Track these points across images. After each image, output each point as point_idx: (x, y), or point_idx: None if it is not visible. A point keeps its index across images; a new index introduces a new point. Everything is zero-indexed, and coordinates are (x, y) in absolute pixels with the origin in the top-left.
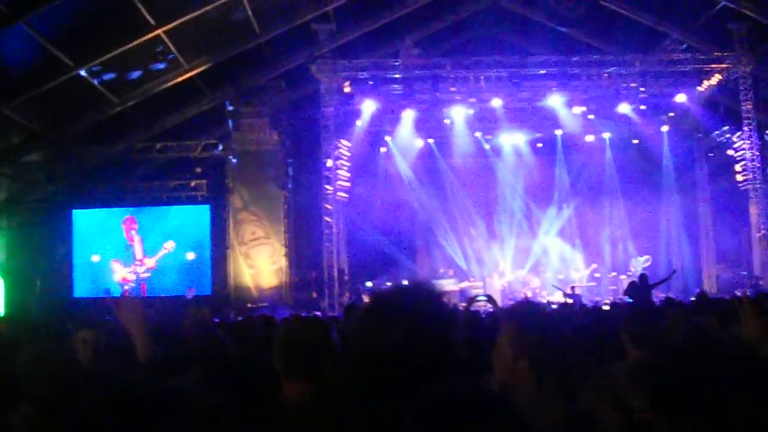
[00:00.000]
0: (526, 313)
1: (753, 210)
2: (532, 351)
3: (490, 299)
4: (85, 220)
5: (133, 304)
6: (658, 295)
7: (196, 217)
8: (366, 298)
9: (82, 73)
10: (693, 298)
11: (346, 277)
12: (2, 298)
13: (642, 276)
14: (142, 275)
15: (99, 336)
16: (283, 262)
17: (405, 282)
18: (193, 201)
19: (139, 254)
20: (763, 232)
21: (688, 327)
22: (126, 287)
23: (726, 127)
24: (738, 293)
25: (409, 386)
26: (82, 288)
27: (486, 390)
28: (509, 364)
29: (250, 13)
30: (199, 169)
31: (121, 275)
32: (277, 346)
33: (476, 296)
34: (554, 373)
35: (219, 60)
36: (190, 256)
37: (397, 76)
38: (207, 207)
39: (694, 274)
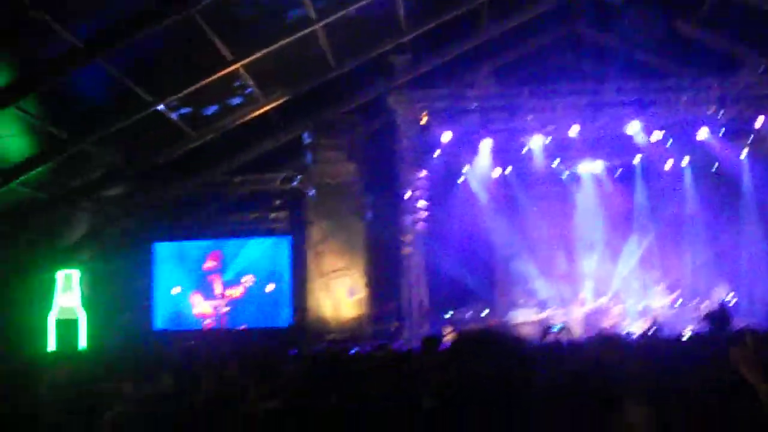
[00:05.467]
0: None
1: None
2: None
3: (565, 329)
4: (166, 253)
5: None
6: (739, 326)
7: (275, 249)
8: (445, 330)
9: (161, 107)
10: None
11: (426, 308)
12: (84, 332)
13: (722, 305)
14: (222, 310)
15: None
16: (362, 293)
17: (488, 325)
18: (272, 233)
19: (218, 288)
20: None
21: None
22: (206, 321)
23: None
24: None
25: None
26: (162, 321)
27: None
28: None
29: (326, 46)
30: (278, 202)
31: (200, 309)
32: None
33: (551, 326)
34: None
35: (295, 94)
36: (270, 288)
37: (473, 105)
38: (287, 239)
39: None
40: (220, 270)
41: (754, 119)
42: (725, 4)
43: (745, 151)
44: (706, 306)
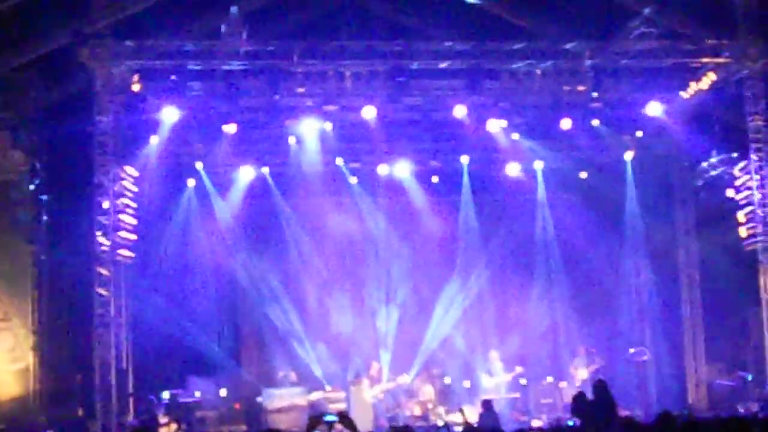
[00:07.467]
0: None
1: (764, 281)
2: None
3: (343, 419)
4: None
5: None
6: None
7: None
8: (163, 419)
9: None
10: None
11: (131, 384)
12: None
13: (599, 385)
14: None
15: None
16: (30, 358)
17: None
18: None
19: None
20: None
21: None
22: None
23: (723, 155)
24: (741, 410)
25: None
26: None
27: None
28: None
29: None
30: None
31: None
32: None
33: (322, 415)
34: None
35: None
36: None
37: (214, 68)
38: None
39: (675, 380)
40: None
41: (645, 104)
42: None
43: (630, 153)
44: (568, 386)
